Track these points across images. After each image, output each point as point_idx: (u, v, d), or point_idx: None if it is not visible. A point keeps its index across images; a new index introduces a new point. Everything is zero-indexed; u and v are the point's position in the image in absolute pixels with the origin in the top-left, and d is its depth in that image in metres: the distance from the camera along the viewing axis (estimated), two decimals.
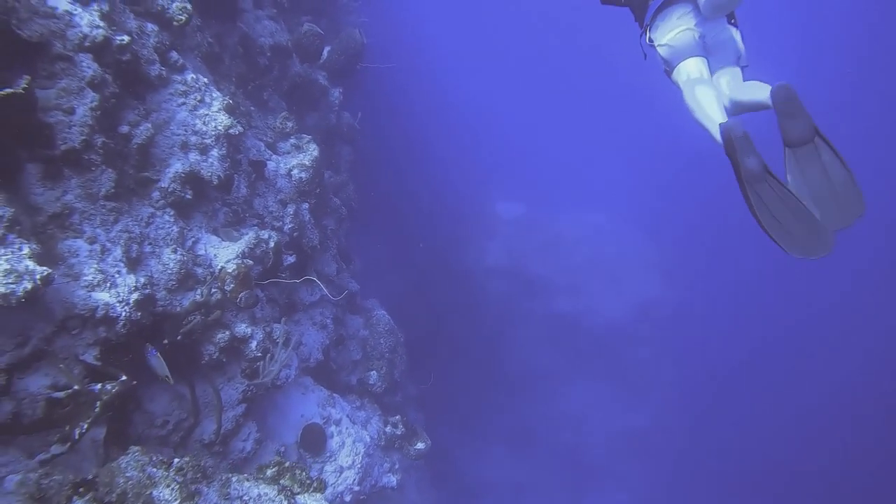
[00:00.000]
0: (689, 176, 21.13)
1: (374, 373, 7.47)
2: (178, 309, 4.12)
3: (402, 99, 14.54)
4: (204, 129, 4.64)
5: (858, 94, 21.01)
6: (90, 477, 2.40)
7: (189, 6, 4.73)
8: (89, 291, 3.45)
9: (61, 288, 3.37)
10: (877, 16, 21.04)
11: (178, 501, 2.43)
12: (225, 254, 4.59)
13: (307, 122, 8.03)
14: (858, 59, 22.07)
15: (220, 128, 4.71)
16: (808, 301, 18.84)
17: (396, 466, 6.84)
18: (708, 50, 3.57)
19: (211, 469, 2.94)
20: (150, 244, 4.06)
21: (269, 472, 3.24)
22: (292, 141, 6.44)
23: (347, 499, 5.87)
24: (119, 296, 3.56)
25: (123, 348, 3.75)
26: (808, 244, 2.72)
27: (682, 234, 20.18)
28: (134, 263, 3.86)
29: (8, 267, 2.82)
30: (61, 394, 3.35)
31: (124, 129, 3.97)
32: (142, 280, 3.77)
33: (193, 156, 4.55)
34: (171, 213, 4.28)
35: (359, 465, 5.98)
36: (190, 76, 4.71)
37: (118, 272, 3.65)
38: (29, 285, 2.92)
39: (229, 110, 4.86)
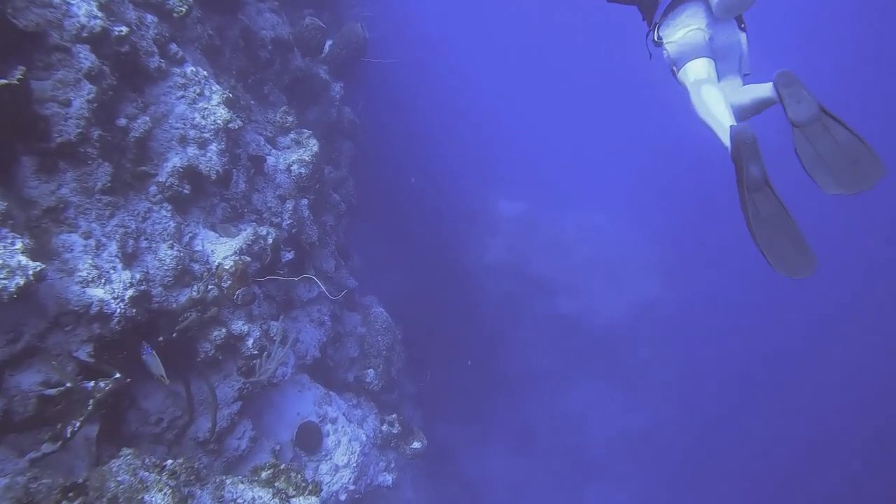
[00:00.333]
0: (691, 176, 21.08)
1: (371, 371, 7.42)
2: (174, 306, 4.06)
3: (404, 94, 14.46)
4: (203, 122, 4.57)
5: (864, 93, 20.94)
6: (80, 481, 2.35)
7: None
8: (83, 287, 3.39)
9: (55, 283, 3.31)
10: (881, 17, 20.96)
11: None
12: (222, 250, 4.53)
13: (308, 116, 7.96)
14: (863, 58, 21.96)
15: (219, 122, 4.64)
16: (809, 302, 18.80)
17: (392, 465, 6.80)
18: (715, 52, 3.52)
19: (205, 471, 2.89)
20: (146, 239, 4.00)
21: (263, 475, 3.18)
22: (292, 136, 6.37)
23: (343, 498, 5.83)
24: (114, 292, 3.50)
25: (118, 345, 3.69)
26: (792, 262, 2.73)
27: (683, 235, 20.15)
28: (129, 259, 3.80)
29: (0, 262, 2.76)
30: (53, 391, 3.30)
31: (122, 121, 3.91)
32: (137, 276, 3.72)
33: (192, 150, 4.49)
34: (169, 208, 4.22)
35: (354, 464, 5.94)
36: (189, 69, 4.64)
37: (113, 268, 3.58)
38: (21, 281, 2.86)
39: (229, 104, 4.79)
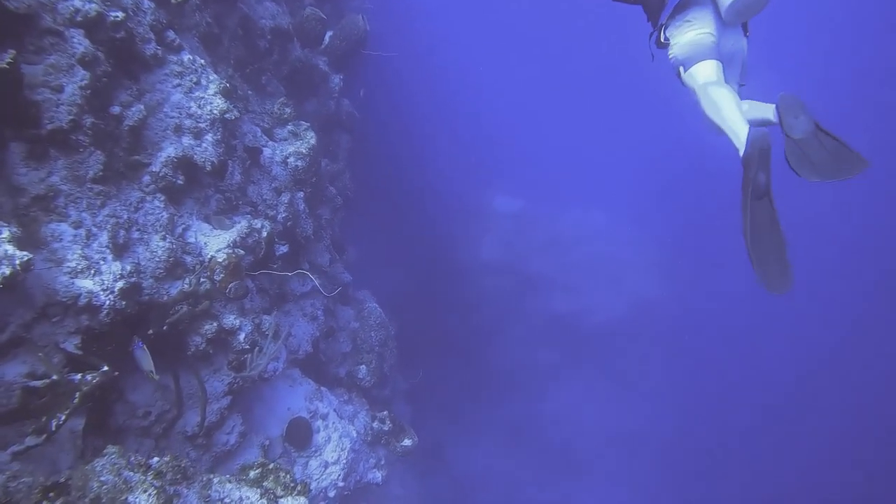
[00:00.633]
0: (690, 176, 21.09)
1: (363, 367, 7.37)
2: (165, 298, 4.00)
3: (403, 88, 14.36)
4: (199, 112, 4.49)
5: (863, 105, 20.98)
6: (62, 480, 2.29)
7: None
8: (72, 278, 3.32)
9: (43, 273, 3.24)
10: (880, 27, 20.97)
11: None
12: (216, 242, 4.46)
13: (306, 108, 7.87)
14: (862, 70, 22.00)
15: (215, 112, 4.56)
16: (806, 303, 18.86)
17: (382, 462, 6.76)
18: (721, 57, 3.48)
19: (192, 469, 2.83)
20: (138, 230, 3.92)
21: (252, 474, 3.13)
22: (290, 128, 6.29)
23: (331, 494, 5.79)
24: (103, 283, 3.43)
25: (106, 337, 3.62)
26: (772, 277, 2.75)
27: (681, 235, 20.16)
28: (120, 250, 3.73)
29: None
30: (39, 383, 3.23)
31: (116, 109, 3.82)
32: (128, 267, 3.64)
33: (187, 140, 4.41)
34: (162, 198, 4.14)
35: (344, 461, 5.90)
36: (186, 57, 4.55)
37: (103, 259, 3.51)
38: (7, 270, 2.80)
39: (226, 94, 4.71)
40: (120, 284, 3.52)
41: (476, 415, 13.72)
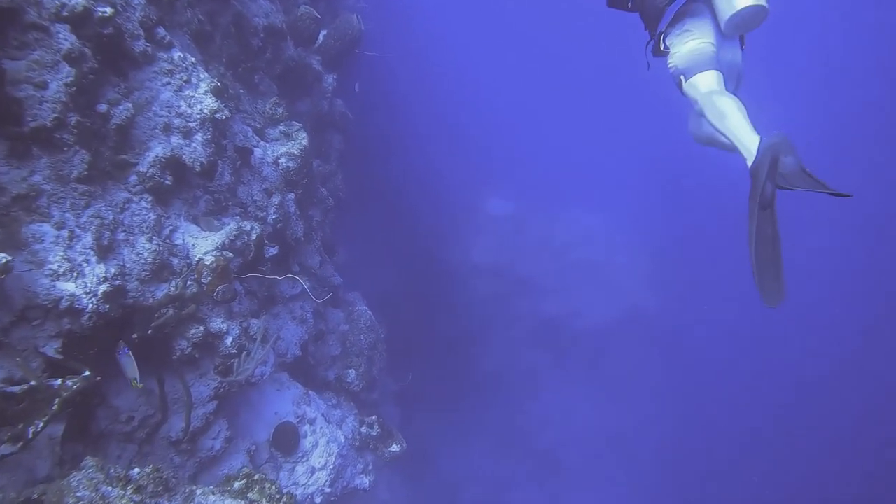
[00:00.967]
0: (684, 180, 21.16)
1: (352, 371, 7.29)
2: (151, 301, 3.90)
3: (397, 88, 14.27)
4: (189, 111, 4.40)
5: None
6: (35, 496, 2.20)
7: None
8: (54, 280, 3.23)
9: (23, 275, 3.15)
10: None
11: None
12: (204, 244, 4.37)
13: (298, 108, 7.78)
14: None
15: (205, 111, 4.47)
16: (795, 303, 18.97)
17: (370, 468, 6.68)
18: (721, 65, 3.46)
19: (174, 480, 2.75)
20: (123, 231, 3.83)
21: (236, 485, 3.05)
22: (281, 128, 6.20)
23: (318, 500, 5.70)
24: (86, 286, 3.34)
25: (89, 341, 3.53)
26: (769, 288, 2.75)
27: (674, 239, 20.22)
28: (105, 251, 3.63)
29: None
30: (16, 389, 3.14)
31: (102, 107, 3.72)
32: (112, 270, 3.55)
33: (176, 139, 4.31)
34: (149, 199, 4.05)
35: (331, 467, 5.82)
36: (177, 54, 4.46)
37: (87, 261, 3.42)
38: None
39: (217, 93, 4.61)
40: (103, 287, 3.42)
41: (465, 417, 13.67)
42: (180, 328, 4.16)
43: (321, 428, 5.94)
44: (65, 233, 3.37)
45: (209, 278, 4.25)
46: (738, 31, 3.38)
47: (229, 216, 4.96)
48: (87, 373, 3.36)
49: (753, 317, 19.19)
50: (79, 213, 3.51)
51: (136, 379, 3.47)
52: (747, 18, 3.25)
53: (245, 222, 4.95)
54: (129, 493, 2.37)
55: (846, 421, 18.27)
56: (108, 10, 3.68)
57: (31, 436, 3.10)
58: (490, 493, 12.97)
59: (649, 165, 22.34)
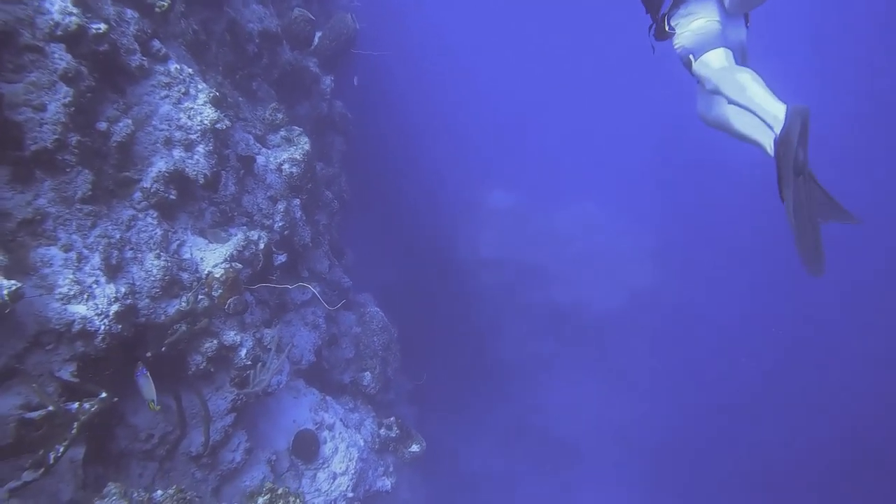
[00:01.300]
0: (686, 165, 20.97)
1: (367, 373, 7.26)
2: (163, 318, 3.87)
3: (395, 86, 14.19)
4: (189, 123, 4.35)
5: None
6: None
7: None
8: (64, 304, 3.20)
9: (34, 301, 3.12)
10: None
11: None
12: (212, 257, 4.33)
13: (298, 111, 7.71)
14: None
15: (206, 122, 4.42)
16: (806, 293, 18.80)
17: (391, 469, 6.66)
18: (728, 42, 3.38)
19: (197, 500, 2.72)
20: (131, 249, 3.79)
21: (260, 501, 3.02)
22: (283, 133, 6.15)
23: None
24: (97, 308, 3.31)
25: (103, 362, 3.51)
26: (811, 257, 2.64)
27: (678, 224, 20.08)
28: (114, 271, 3.60)
29: None
30: (35, 414, 3.12)
31: (102, 125, 3.68)
32: (122, 289, 3.52)
33: (178, 153, 4.27)
34: (155, 214, 4.01)
35: (353, 471, 5.79)
36: (173, 66, 4.41)
37: (96, 282, 3.38)
38: None
39: (216, 103, 4.57)
40: (115, 308, 3.39)
41: (479, 410, 13.70)
42: (194, 343, 4.13)
43: (340, 433, 5.91)
44: (73, 255, 3.34)
45: (220, 291, 4.22)
46: (742, 8, 3.30)
47: (236, 226, 4.92)
48: (104, 394, 3.34)
49: (754, 304, 19.14)
50: (85, 234, 3.47)
51: (153, 401, 3.45)
52: None
53: (252, 232, 4.91)
54: None
55: (860, 399, 18.13)
56: (102, 27, 3.63)
57: (52, 461, 3.09)
58: (506, 485, 13.00)
59: (649, 151, 22.19)
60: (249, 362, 4.50)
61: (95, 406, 3.28)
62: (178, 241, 4.23)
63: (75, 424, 3.20)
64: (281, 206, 5.61)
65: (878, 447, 17.08)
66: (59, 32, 3.35)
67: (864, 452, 17.13)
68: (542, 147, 22.63)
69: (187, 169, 4.28)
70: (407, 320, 10.12)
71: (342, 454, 5.79)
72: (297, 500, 3.05)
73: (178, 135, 4.27)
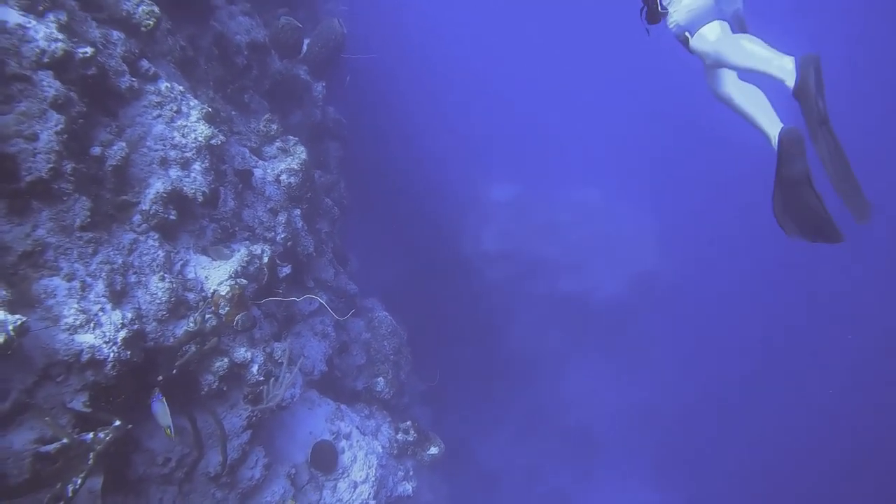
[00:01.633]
0: (683, 146, 20.87)
1: (381, 379, 7.23)
2: (171, 340, 3.83)
3: (388, 86, 14.13)
4: (183, 141, 4.30)
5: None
6: None
7: (156, 9, 4.35)
8: (71, 334, 3.15)
9: (40, 334, 3.07)
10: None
11: None
12: (217, 275, 4.28)
13: (291, 120, 7.66)
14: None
15: (200, 139, 4.37)
16: (810, 268, 18.71)
17: (411, 473, 6.64)
18: (724, 14, 3.33)
19: None
20: (134, 273, 3.75)
21: None
22: (278, 144, 6.10)
23: None
24: (105, 336, 3.26)
25: (115, 389, 3.47)
26: (854, 204, 2.60)
27: (680, 205, 20.00)
28: (119, 297, 3.55)
29: None
30: (50, 448, 3.08)
31: (96, 150, 3.63)
32: (129, 315, 3.47)
33: (175, 172, 4.22)
34: (156, 236, 3.96)
35: (373, 479, 5.76)
36: (164, 85, 4.35)
37: (102, 309, 3.34)
38: (1, 338, 2.63)
39: (209, 119, 4.51)
40: (122, 334, 3.35)
41: (495, 404, 13.69)
42: (205, 363, 4.09)
43: (357, 441, 5.88)
44: (76, 284, 3.30)
45: (227, 308, 4.18)
46: None
47: (238, 242, 4.87)
48: (118, 422, 3.30)
49: (761, 282, 19.04)
50: (87, 262, 3.43)
51: (169, 427, 3.41)
52: None
53: (255, 246, 4.86)
54: None
55: (863, 384, 18.06)
56: (89, 50, 3.57)
57: (70, 494, 3.05)
58: (526, 476, 12.99)
59: (645, 130, 22.06)
60: (262, 378, 4.46)
61: (110, 435, 3.23)
62: (181, 262, 4.18)
63: (91, 455, 3.16)
64: (282, 218, 5.57)
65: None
66: (45, 59, 3.30)
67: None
68: (540, 136, 22.52)
69: (185, 187, 4.23)
70: (415, 321, 10.10)
71: (361, 462, 5.76)
72: None
73: (173, 154, 4.23)
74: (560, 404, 14.74)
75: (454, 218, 16.15)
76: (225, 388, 4.28)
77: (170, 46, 4.88)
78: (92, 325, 3.24)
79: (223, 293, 4.17)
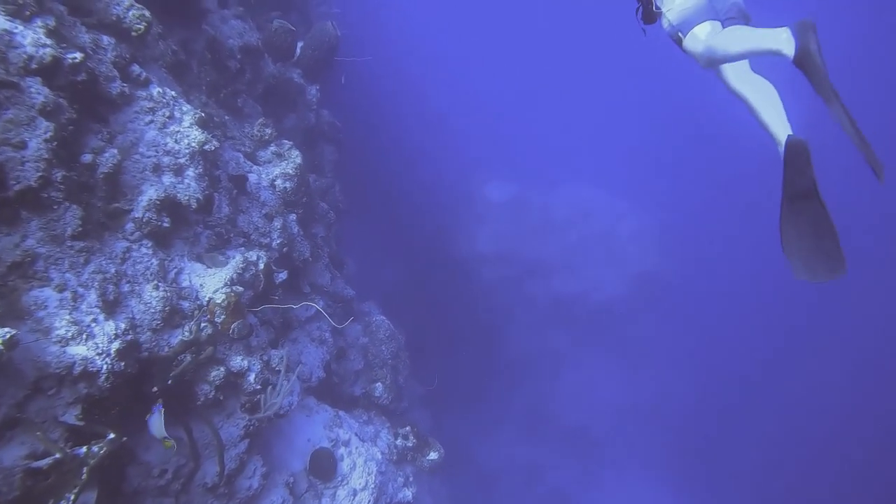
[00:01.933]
0: (683, 144, 20.87)
1: (379, 384, 7.16)
2: (166, 350, 3.76)
3: (382, 88, 14.09)
4: (176, 147, 4.23)
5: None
6: None
7: (147, 13, 4.28)
8: (63, 346, 3.08)
9: (31, 346, 3.00)
10: None
11: None
12: (212, 282, 4.21)
13: (285, 124, 7.60)
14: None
15: (193, 144, 4.31)
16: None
17: (411, 479, 6.57)
18: (717, 13, 3.28)
19: None
20: (128, 282, 3.68)
21: None
22: (272, 149, 6.03)
23: None
24: (98, 347, 3.19)
25: (109, 401, 3.39)
26: (873, 161, 2.44)
27: (678, 204, 19.99)
28: (112, 307, 3.48)
29: None
30: (42, 463, 3.01)
31: (87, 158, 3.56)
32: (122, 325, 3.40)
33: (168, 178, 4.15)
34: (149, 244, 3.89)
35: (373, 486, 5.70)
36: (156, 90, 4.28)
37: (94, 320, 3.27)
38: None
39: (202, 124, 4.45)
40: (116, 345, 3.28)
41: (494, 405, 13.64)
42: (200, 373, 4.02)
43: (356, 448, 5.81)
44: (67, 294, 3.23)
45: (222, 317, 4.11)
46: None
47: (233, 248, 4.81)
48: (112, 435, 3.23)
49: (760, 280, 19.02)
50: (79, 272, 3.36)
51: (167, 439, 3.35)
52: None
53: (250, 252, 4.79)
54: None
55: (866, 375, 18.08)
56: (79, 56, 3.50)
57: None
58: (526, 477, 12.94)
59: (645, 128, 22.05)
60: (259, 386, 4.39)
61: (104, 448, 3.16)
62: (175, 270, 4.11)
63: (84, 469, 3.09)
64: (277, 223, 5.50)
65: None
66: (33, 66, 3.23)
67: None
68: (531, 136, 22.50)
69: (179, 194, 4.16)
70: (413, 324, 10.04)
71: (360, 469, 5.70)
72: None
73: (166, 160, 4.16)
74: (560, 404, 14.71)
75: (451, 219, 16.12)
76: (221, 398, 4.21)
77: (161, 51, 4.81)
78: (84, 336, 3.17)
79: (219, 301, 4.10)
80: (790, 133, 2.64)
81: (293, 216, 5.89)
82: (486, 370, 13.79)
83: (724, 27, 3.24)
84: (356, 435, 5.98)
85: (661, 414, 15.49)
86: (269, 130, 6.09)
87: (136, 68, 4.20)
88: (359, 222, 10.88)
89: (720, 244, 19.96)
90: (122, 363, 3.32)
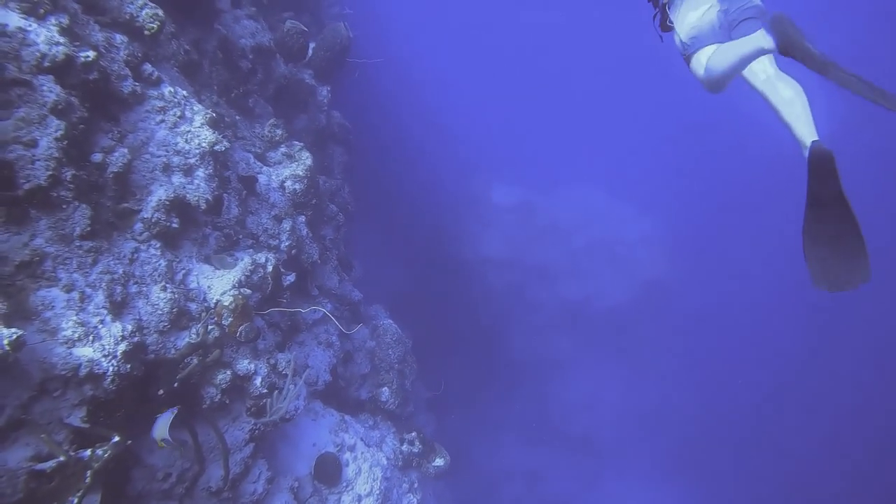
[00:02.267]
0: (692, 150, 20.74)
1: (385, 389, 7.10)
2: (173, 353, 3.72)
3: (392, 90, 14.07)
4: (187, 147, 4.20)
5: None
6: None
7: (160, 12, 4.26)
8: (69, 348, 3.04)
9: (37, 347, 2.97)
10: None
11: None
12: (220, 284, 4.17)
13: (296, 125, 7.57)
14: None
15: (204, 145, 4.27)
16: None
17: (416, 485, 6.50)
18: (731, 25, 3.21)
19: None
20: (135, 283, 3.64)
21: None
22: (283, 150, 6.00)
23: None
24: (104, 349, 3.15)
25: (114, 404, 3.35)
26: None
27: (685, 210, 19.87)
28: (119, 308, 3.45)
29: None
30: (46, 466, 2.97)
31: (97, 157, 3.53)
32: (129, 327, 3.36)
33: (177, 178, 4.12)
34: (157, 245, 3.85)
35: (377, 492, 5.64)
36: (167, 89, 4.26)
37: (101, 321, 3.23)
38: None
39: (213, 124, 4.41)
40: (122, 347, 3.24)
41: (497, 410, 13.57)
42: (207, 376, 3.98)
43: (362, 453, 5.76)
44: (75, 295, 3.19)
45: (230, 319, 4.06)
46: None
47: (242, 250, 4.77)
48: (117, 438, 3.19)
49: (766, 286, 18.85)
50: (87, 272, 3.32)
51: (166, 439, 3.31)
52: None
53: (259, 254, 4.75)
54: None
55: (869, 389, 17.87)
56: (91, 54, 3.48)
57: None
58: (529, 483, 12.87)
59: (651, 136, 21.95)
60: (265, 390, 4.35)
61: (109, 451, 3.12)
62: (183, 271, 4.08)
63: (89, 472, 3.05)
64: (286, 225, 5.46)
65: None
66: (46, 64, 3.21)
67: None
68: (540, 141, 22.45)
69: (188, 195, 4.12)
70: (419, 326, 9.99)
71: (365, 475, 5.64)
72: None
73: (176, 160, 4.12)
74: (564, 410, 14.63)
75: (458, 222, 16.07)
76: (227, 401, 4.17)
77: (174, 50, 4.79)
78: (91, 337, 3.13)
79: (226, 303, 4.06)
80: (815, 139, 2.57)
81: (302, 218, 5.85)
82: (490, 374, 13.74)
83: (736, 29, 3.18)
84: (362, 440, 5.92)
85: (665, 420, 15.39)
86: (279, 131, 6.06)
87: (147, 67, 4.17)
88: (367, 225, 10.85)
89: (728, 251, 19.80)
90: (129, 365, 3.28)
